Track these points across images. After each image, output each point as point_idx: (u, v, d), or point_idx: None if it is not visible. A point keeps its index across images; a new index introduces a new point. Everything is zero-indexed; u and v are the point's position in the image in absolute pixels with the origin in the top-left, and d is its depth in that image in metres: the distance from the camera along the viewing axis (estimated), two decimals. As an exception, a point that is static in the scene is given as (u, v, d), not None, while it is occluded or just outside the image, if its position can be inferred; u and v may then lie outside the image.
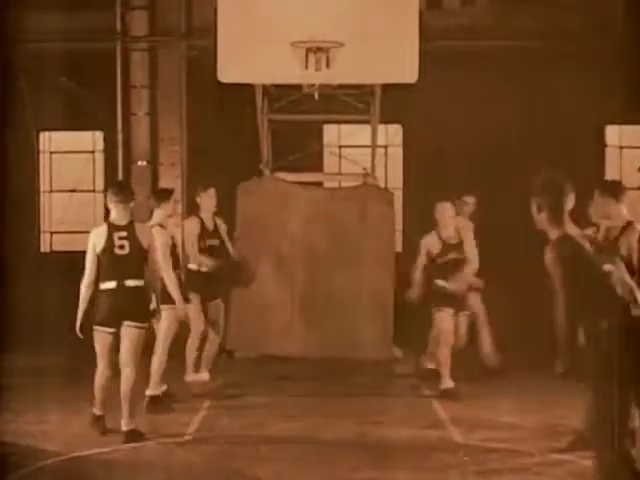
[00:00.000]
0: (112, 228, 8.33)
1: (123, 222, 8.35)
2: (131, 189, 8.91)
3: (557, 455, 7.72)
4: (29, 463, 7.40)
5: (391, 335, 12.53)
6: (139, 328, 8.26)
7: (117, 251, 8.23)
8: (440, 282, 10.59)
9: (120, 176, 14.49)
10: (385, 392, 10.64)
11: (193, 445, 8.15)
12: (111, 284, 8.22)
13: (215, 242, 10.43)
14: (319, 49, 11.07)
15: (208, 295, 10.24)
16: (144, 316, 8.36)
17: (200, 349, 10.27)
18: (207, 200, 10.30)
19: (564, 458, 7.62)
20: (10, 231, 13.81)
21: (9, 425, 8.62)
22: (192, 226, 10.32)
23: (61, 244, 15.61)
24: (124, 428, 8.26)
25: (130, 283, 8.22)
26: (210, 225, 10.40)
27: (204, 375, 10.25)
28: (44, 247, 15.86)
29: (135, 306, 8.26)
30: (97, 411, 8.48)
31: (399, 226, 14.39)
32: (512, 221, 14.23)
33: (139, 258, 8.28)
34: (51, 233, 15.91)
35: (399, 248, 14.71)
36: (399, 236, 14.59)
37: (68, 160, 15.69)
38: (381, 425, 8.85)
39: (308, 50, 11.10)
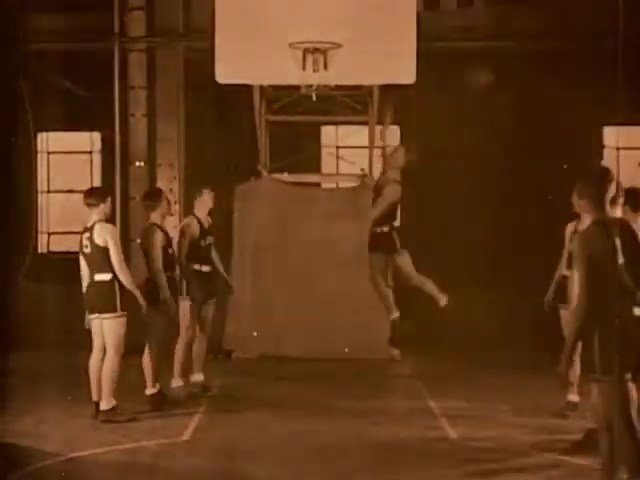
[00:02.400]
0: (83, 230, 9.12)
1: (89, 224, 9.05)
2: (100, 193, 9.32)
3: (554, 456, 7.73)
4: (29, 464, 7.40)
5: (389, 336, 12.56)
6: (110, 318, 8.93)
7: (84, 250, 9.04)
8: None
9: (117, 177, 14.50)
10: (384, 392, 10.63)
11: (191, 446, 8.15)
12: (88, 279, 9.05)
13: (211, 240, 10.40)
14: (317, 50, 11.10)
15: (204, 297, 10.19)
16: (111, 306, 8.91)
17: (189, 353, 10.18)
18: (208, 200, 10.28)
19: (561, 459, 7.64)
20: (7, 232, 13.81)
21: (9, 426, 8.62)
22: (192, 227, 10.25)
23: (58, 245, 15.59)
24: (102, 407, 8.92)
25: (97, 277, 8.96)
26: (206, 223, 10.37)
27: (199, 376, 10.22)
28: (41, 248, 15.84)
29: (101, 298, 8.93)
30: (94, 397, 9.00)
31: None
32: (511, 221, 14.30)
33: (100, 256, 8.91)
34: (48, 234, 15.88)
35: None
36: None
37: (66, 161, 15.67)
38: (380, 425, 8.85)
39: (306, 51, 11.12)
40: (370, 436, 8.48)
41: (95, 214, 9.04)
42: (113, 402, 8.92)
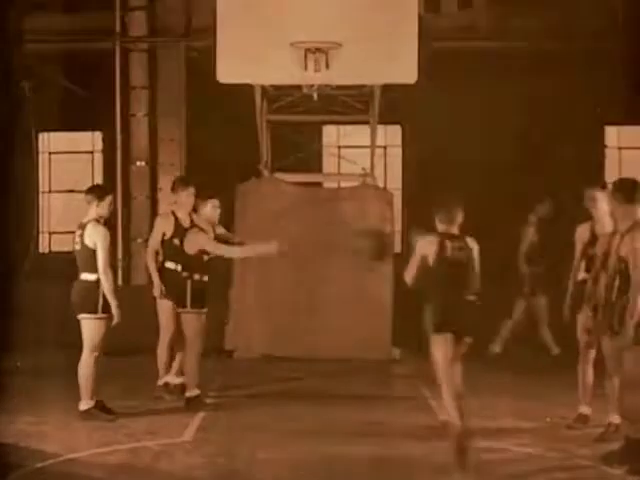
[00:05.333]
0: (78, 227, 9.10)
1: (84, 221, 9.03)
2: (98, 191, 9.25)
3: (553, 455, 7.72)
4: (28, 464, 7.38)
5: (390, 336, 12.56)
6: (89, 319, 8.91)
7: (75, 247, 9.07)
8: None
9: (119, 177, 14.51)
10: (384, 393, 10.62)
11: (192, 446, 8.14)
12: (86, 276, 9.00)
13: None
14: (318, 50, 11.10)
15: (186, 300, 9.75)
16: (92, 307, 8.89)
17: (172, 354, 9.87)
18: (186, 199, 9.88)
19: (559, 458, 7.63)
20: (9, 231, 13.80)
21: (8, 426, 8.60)
22: (164, 224, 9.95)
23: (60, 244, 15.61)
24: (81, 408, 8.91)
25: (83, 276, 8.98)
26: (186, 223, 9.91)
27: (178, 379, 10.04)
28: (43, 247, 15.86)
29: (84, 297, 8.93)
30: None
31: (398, 226, 14.38)
32: (512, 221, 14.28)
33: (88, 256, 8.91)
34: (50, 233, 15.91)
35: (398, 249, 14.70)
36: (398, 236, 14.60)
37: (67, 161, 15.69)
38: (380, 425, 8.85)
39: (307, 51, 11.12)
40: (370, 436, 8.47)
41: (90, 212, 9.01)
42: (91, 403, 8.92)
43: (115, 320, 8.89)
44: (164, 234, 9.86)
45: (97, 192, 9.16)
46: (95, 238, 8.89)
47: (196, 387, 9.59)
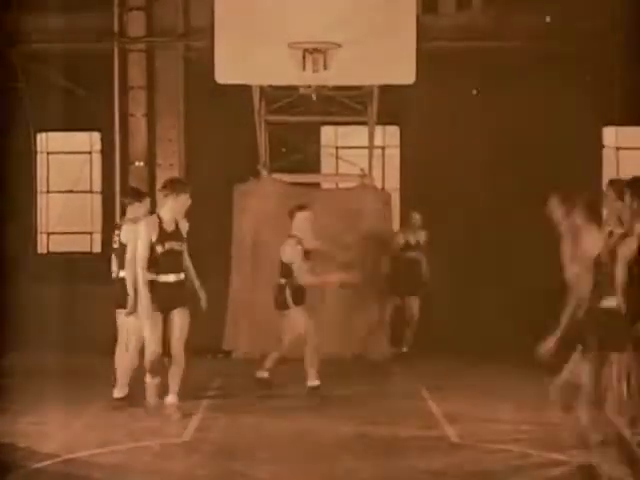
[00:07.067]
0: (114, 226, 9.85)
1: (120, 222, 9.81)
2: (135, 194, 9.90)
3: (554, 455, 7.74)
4: (28, 464, 7.39)
5: (389, 335, 12.58)
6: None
7: (114, 246, 9.61)
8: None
9: (117, 177, 14.52)
10: (384, 392, 10.63)
11: (191, 446, 8.14)
12: (115, 274, 9.54)
13: (176, 245, 9.18)
14: (316, 50, 11.12)
15: (169, 307, 9.21)
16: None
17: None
18: (176, 205, 9.21)
19: (560, 458, 7.64)
20: (7, 232, 13.83)
21: (8, 426, 8.61)
22: (149, 227, 9.12)
23: (58, 245, 15.61)
24: (116, 395, 9.44)
25: (122, 274, 9.36)
26: (170, 227, 9.19)
27: (172, 397, 9.27)
28: (41, 248, 15.85)
29: (124, 294, 9.20)
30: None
31: (396, 227, 14.39)
32: (510, 221, 14.30)
33: (124, 252, 9.32)
34: (48, 234, 15.89)
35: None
36: (396, 237, 14.59)
37: (65, 161, 15.69)
38: (380, 425, 8.86)
39: (305, 51, 11.15)
40: (370, 436, 8.48)
41: (129, 212, 9.60)
42: (126, 390, 9.42)
43: (130, 311, 9.19)
44: (150, 240, 9.09)
45: (132, 195, 9.86)
46: (127, 235, 9.35)
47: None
